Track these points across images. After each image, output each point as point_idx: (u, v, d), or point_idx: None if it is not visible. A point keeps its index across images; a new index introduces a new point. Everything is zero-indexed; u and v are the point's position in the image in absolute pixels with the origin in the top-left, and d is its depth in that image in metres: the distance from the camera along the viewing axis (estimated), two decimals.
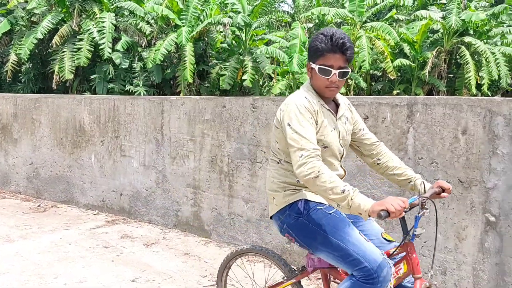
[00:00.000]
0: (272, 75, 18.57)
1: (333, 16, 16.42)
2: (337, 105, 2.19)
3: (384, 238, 2.11)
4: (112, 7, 17.07)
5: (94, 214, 5.33)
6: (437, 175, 3.09)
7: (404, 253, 1.97)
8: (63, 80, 16.59)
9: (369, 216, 1.78)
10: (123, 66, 16.75)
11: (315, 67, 2.04)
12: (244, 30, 17.54)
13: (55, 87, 16.57)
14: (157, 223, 4.88)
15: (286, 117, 1.99)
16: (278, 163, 2.13)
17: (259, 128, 4.05)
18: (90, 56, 16.39)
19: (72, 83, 17.45)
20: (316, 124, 2.02)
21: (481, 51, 15.55)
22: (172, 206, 4.74)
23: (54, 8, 17.30)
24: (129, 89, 16.83)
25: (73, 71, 16.47)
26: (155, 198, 4.88)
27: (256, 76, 17.60)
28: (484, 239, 2.94)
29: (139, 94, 16.16)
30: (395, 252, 1.99)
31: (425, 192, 2.04)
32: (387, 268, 1.90)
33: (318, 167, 1.87)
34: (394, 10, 19.28)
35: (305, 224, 2.06)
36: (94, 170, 5.40)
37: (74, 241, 4.42)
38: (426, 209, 1.88)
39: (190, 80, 15.82)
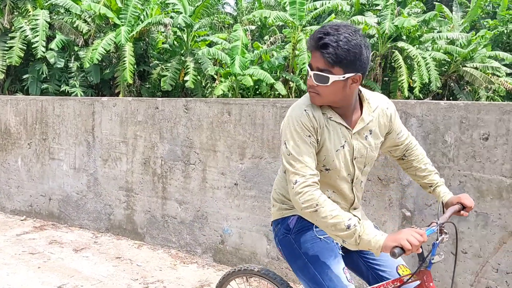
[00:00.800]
0: (215, 76, 18.57)
1: (274, 19, 16.67)
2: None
3: (399, 274, 1.86)
4: (46, 4, 16.36)
5: (22, 220, 5.10)
6: None
7: (419, 282, 1.73)
8: None
9: (382, 251, 1.54)
10: (58, 66, 16.13)
11: None
12: (186, 31, 17.41)
13: None
14: (89, 227, 4.76)
15: (283, 133, 1.73)
16: (285, 172, 1.79)
17: (192, 129, 4.06)
18: (22, 55, 15.65)
19: (3, 83, 16.55)
20: (318, 142, 1.72)
21: (413, 55, 16.41)
22: (104, 210, 4.64)
23: None
24: (65, 89, 16.22)
25: (4, 71, 15.66)
26: (86, 202, 4.75)
27: (199, 77, 17.53)
28: None
29: (76, 94, 15.61)
30: (409, 280, 1.73)
31: (443, 212, 1.82)
32: None
33: (315, 199, 1.61)
34: (333, 15, 19.89)
35: (291, 243, 1.88)
36: (21, 174, 5.17)
37: None
38: (446, 233, 1.67)
39: (130, 81, 15.49)
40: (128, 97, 4.49)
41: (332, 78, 1.65)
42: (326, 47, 1.62)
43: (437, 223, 1.67)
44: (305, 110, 1.72)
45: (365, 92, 1.85)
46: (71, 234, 4.65)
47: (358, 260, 1.98)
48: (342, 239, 1.60)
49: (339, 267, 1.78)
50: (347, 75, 1.65)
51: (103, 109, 4.55)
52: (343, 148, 1.76)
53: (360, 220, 1.67)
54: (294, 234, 1.88)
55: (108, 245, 4.36)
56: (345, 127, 1.76)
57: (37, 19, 15.72)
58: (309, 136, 1.69)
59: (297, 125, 1.69)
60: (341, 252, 1.88)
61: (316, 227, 1.84)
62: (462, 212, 1.86)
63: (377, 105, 1.83)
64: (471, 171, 2.79)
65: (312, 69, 1.68)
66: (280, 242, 1.95)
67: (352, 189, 1.86)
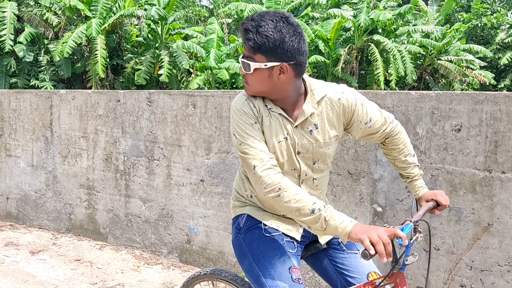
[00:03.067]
0: (191, 70, 18.26)
1: (250, 11, 16.44)
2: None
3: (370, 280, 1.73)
4: None
5: None
6: None
7: (393, 285, 1.61)
8: None
9: (349, 240, 1.44)
10: (27, 60, 15.59)
11: None
12: (160, 23, 17.04)
13: None
14: (49, 227, 4.50)
15: (231, 126, 1.69)
16: (242, 166, 1.76)
17: (156, 123, 3.84)
18: None
19: None
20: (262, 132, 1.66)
21: (389, 48, 16.40)
22: (65, 209, 4.39)
23: None
24: (35, 84, 15.70)
25: None
26: (45, 201, 4.49)
27: (174, 71, 17.20)
28: None
29: (46, 89, 15.12)
30: (382, 284, 1.63)
31: (417, 210, 1.73)
32: None
33: (277, 182, 1.53)
34: (309, 8, 19.77)
35: (240, 243, 1.81)
36: None
37: None
38: (420, 232, 1.58)
39: (102, 75, 15.06)
40: (88, 90, 4.24)
41: (253, 65, 1.60)
42: (247, 33, 1.58)
43: (411, 221, 1.56)
44: (246, 100, 1.68)
45: (312, 82, 1.73)
46: (29, 235, 4.39)
47: (327, 265, 1.86)
48: (307, 225, 1.51)
49: (284, 266, 1.68)
50: (269, 64, 1.58)
51: (62, 103, 4.29)
52: (286, 140, 1.68)
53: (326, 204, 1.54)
54: (243, 234, 1.81)
55: (68, 246, 4.12)
56: (287, 118, 1.68)
57: (4, 11, 15.15)
58: (255, 122, 1.65)
59: (241, 115, 1.65)
60: (293, 251, 1.75)
61: (265, 225, 1.77)
62: (435, 210, 1.78)
63: (323, 96, 1.70)
64: (443, 164, 2.67)
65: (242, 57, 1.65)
66: (232, 243, 1.88)
67: (300, 185, 1.74)
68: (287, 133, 1.67)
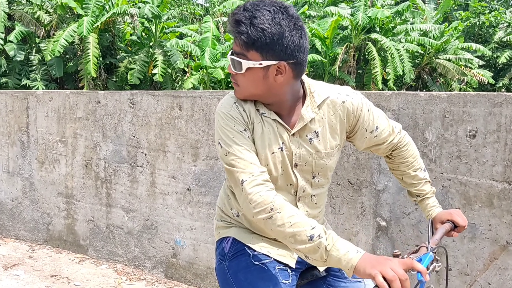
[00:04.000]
0: (186, 69, 17.95)
1: None
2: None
3: None
4: None
5: None
6: None
7: None
8: None
9: (355, 274, 1.20)
10: (18, 59, 15.27)
11: None
12: (154, 22, 16.71)
13: None
14: (26, 238, 4.18)
15: (215, 133, 1.44)
16: (227, 179, 1.55)
17: (139, 126, 3.53)
18: None
19: None
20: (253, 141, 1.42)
21: (387, 47, 16.14)
22: (42, 219, 4.07)
23: None
24: (26, 83, 15.35)
25: None
26: (22, 210, 4.17)
27: (169, 70, 16.89)
28: (375, 245, 2.69)
29: (37, 88, 14.77)
30: None
31: (432, 233, 1.49)
32: None
33: (269, 201, 1.28)
34: (306, 6, 19.48)
35: (224, 271, 1.55)
36: None
37: None
38: (437, 260, 1.33)
39: (94, 74, 14.73)
40: (66, 90, 3.93)
41: (246, 64, 1.35)
42: (238, 25, 1.33)
43: (427, 248, 1.33)
44: (234, 103, 1.43)
45: (312, 84, 1.49)
46: (4, 247, 4.07)
47: None
48: (304, 254, 1.26)
49: None
50: (265, 63, 1.34)
51: (38, 104, 3.97)
52: (282, 151, 1.43)
53: (326, 229, 1.27)
54: (228, 261, 1.54)
55: (45, 260, 3.80)
56: (282, 125, 1.43)
57: None
58: (245, 130, 1.40)
59: (228, 120, 1.40)
60: (287, 281, 1.48)
61: (254, 250, 1.51)
62: (452, 232, 1.55)
63: (324, 99, 1.46)
64: (456, 174, 2.37)
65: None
66: (216, 271, 1.61)
67: (297, 203, 1.50)
68: (283, 143, 1.43)
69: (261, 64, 1.33)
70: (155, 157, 3.46)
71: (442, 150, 2.40)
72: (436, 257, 1.33)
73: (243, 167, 1.34)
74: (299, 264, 1.56)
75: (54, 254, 3.90)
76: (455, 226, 1.55)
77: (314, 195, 1.53)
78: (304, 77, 1.48)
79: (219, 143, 1.40)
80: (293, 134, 1.43)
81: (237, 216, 1.57)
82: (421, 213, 2.49)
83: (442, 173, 2.41)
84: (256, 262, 1.49)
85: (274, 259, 1.51)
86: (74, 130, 3.83)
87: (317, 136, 1.45)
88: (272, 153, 1.42)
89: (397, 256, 1.26)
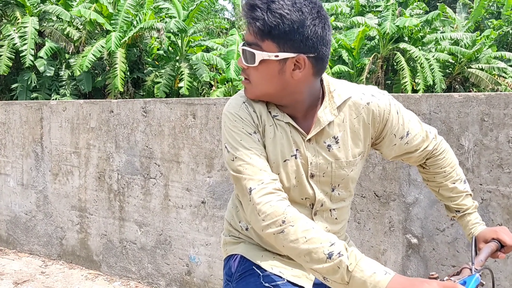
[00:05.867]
0: (212, 82, 17.97)
1: None
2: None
3: None
4: (35, 11, 15.83)
5: None
6: None
7: None
8: None
9: None
10: (48, 74, 15.59)
11: None
12: (180, 36, 16.83)
13: None
14: (39, 253, 4.06)
15: (223, 136, 1.27)
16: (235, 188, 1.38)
17: (152, 136, 3.38)
18: (10, 64, 15.11)
19: None
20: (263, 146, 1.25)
21: (416, 57, 15.71)
22: (56, 233, 3.95)
23: None
24: (56, 98, 15.64)
25: None
26: (36, 223, 4.06)
27: (195, 84, 16.93)
28: (406, 265, 2.41)
29: None
30: None
31: (476, 253, 1.29)
32: None
33: (281, 213, 1.10)
34: (332, 17, 19.28)
35: None
36: None
37: None
38: (482, 284, 1.17)
39: (121, 89, 14.89)
40: (80, 100, 3.82)
41: (260, 55, 1.15)
42: (253, 9, 1.14)
43: (471, 270, 1.14)
44: (243, 102, 1.24)
45: (332, 82, 1.28)
46: (18, 262, 3.96)
47: None
48: (322, 275, 1.04)
49: None
50: (282, 55, 1.15)
51: (52, 115, 3.87)
52: (296, 158, 1.24)
53: (348, 246, 1.07)
54: (235, 282, 1.34)
55: (57, 276, 3.66)
56: (297, 129, 1.24)
57: (25, 27, 15.18)
58: (254, 132, 1.21)
59: (236, 121, 1.22)
60: None
61: (264, 270, 1.30)
62: (499, 253, 1.32)
63: (346, 99, 1.25)
64: (497, 185, 2.09)
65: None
66: None
67: (313, 218, 1.29)
68: (297, 149, 1.24)
69: (277, 56, 1.15)
70: (169, 168, 3.29)
71: (481, 158, 2.12)
72: (482, 281, 1.13)
73: (252, 173, 1.16)
74: (317, 286, 1.34)
75: (67, 270, 3.76)
76: (502, 246, 1.32)
77: (333, 209, 1.32)
78: (324, 75, 1.28)
79: (225, 147, 1.23)
80: (309, 140, 1.24)
81: (246, 229, 1.37)
82: (458, 229, 2.21)
83: (481, 184, 2.13)
84: (267, 284, 1.29)
85: (288, 281, 1.30)
86: (87, 141, 3.70)
87: (337, 142, 1.26)
88: (284, 161, 1.23)
89: (434, 279, 1.03)
